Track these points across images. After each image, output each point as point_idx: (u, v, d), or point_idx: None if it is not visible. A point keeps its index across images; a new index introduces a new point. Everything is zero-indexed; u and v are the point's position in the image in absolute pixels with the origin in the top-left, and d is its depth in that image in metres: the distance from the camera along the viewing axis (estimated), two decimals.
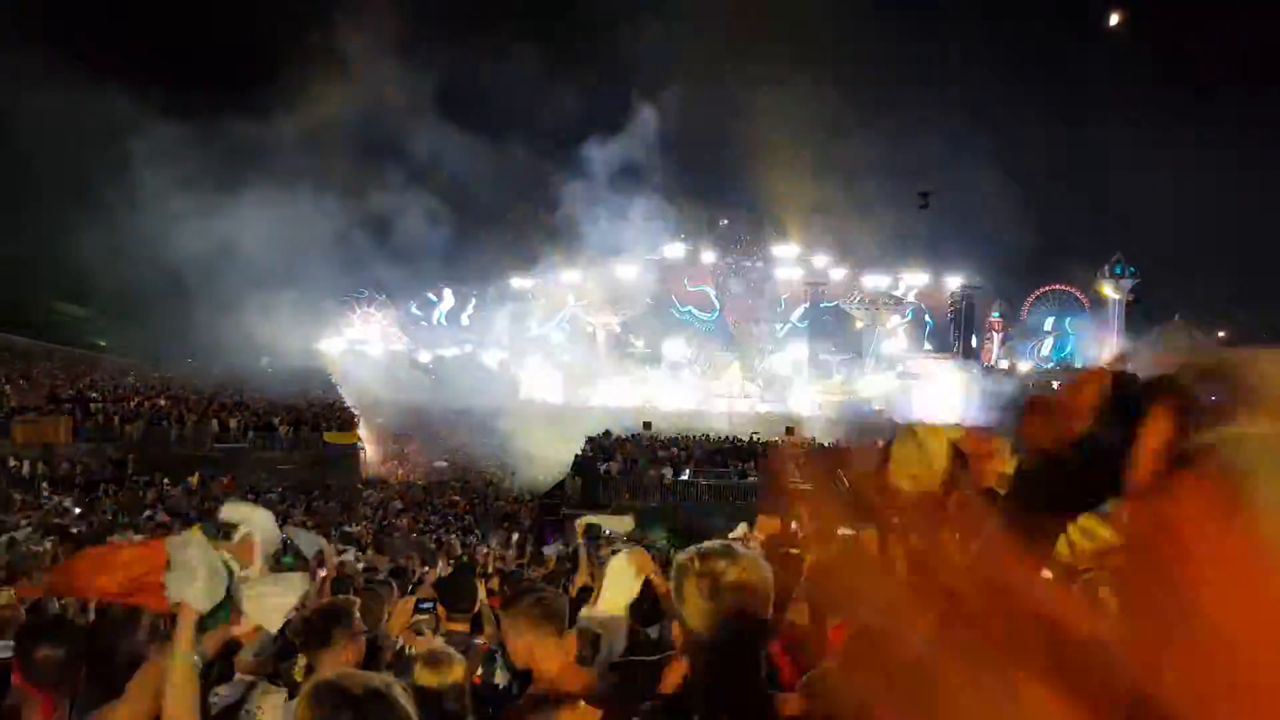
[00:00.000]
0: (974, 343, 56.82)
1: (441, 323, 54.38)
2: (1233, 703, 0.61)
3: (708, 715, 1.86)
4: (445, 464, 39.23)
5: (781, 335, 52.34)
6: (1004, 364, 56.29)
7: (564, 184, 49.81)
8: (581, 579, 6.84)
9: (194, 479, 26.60)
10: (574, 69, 58.63)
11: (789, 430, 37.64)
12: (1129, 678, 0.68)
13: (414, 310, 54.54)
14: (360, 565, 10.79)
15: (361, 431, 37.37)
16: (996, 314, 58.02)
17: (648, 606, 4.97)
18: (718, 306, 52.30)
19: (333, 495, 28.34)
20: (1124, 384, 0.89)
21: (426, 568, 10.69)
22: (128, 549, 2.64)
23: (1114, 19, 54.03)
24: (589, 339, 51.49)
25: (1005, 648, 0.77)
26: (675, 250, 51.82)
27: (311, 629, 3.41)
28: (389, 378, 47.73)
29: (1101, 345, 55.40)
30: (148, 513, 19.73)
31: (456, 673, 3.32)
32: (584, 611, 3.90)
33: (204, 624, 2.45)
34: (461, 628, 4.96)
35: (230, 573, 2.45)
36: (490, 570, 10.30)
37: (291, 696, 3.67)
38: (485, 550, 14.40)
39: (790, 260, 52.64)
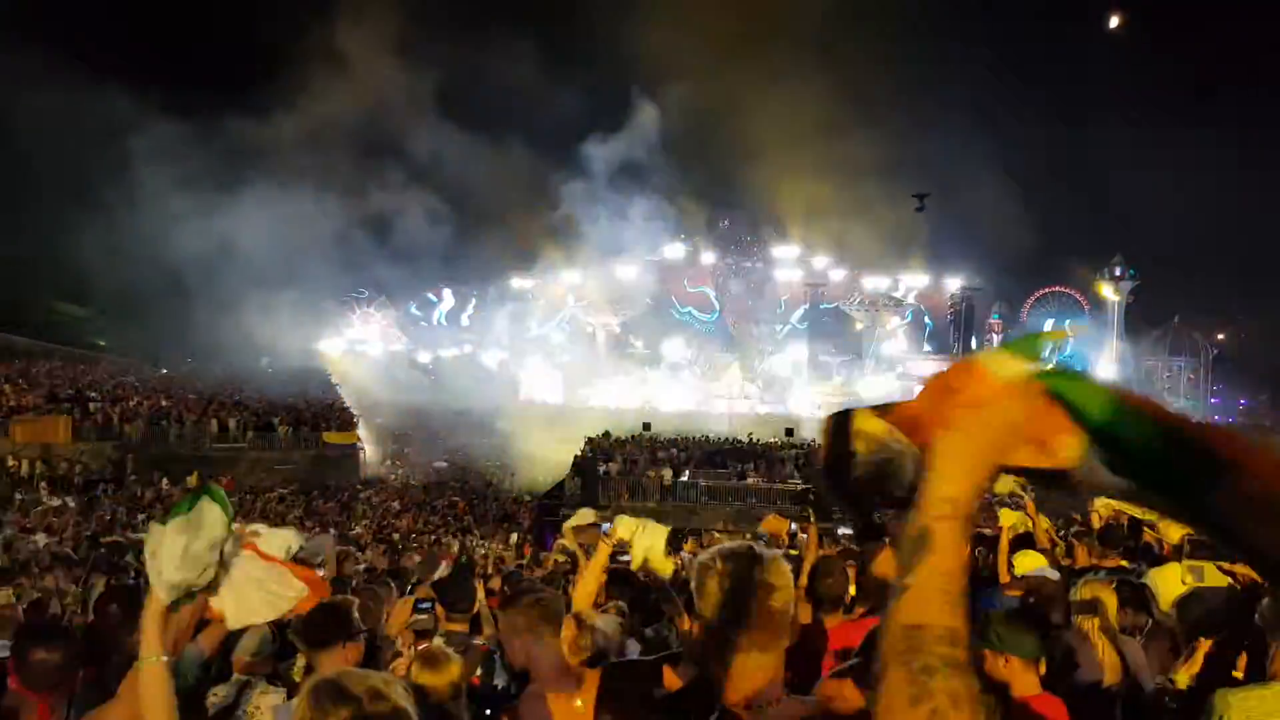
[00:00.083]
0: (974, 344, 56.81)
1: (441, 323, 54.38)
2: None
3: (723, 717, 1.86)
4: (445, 464, 39.22)
5: (781, 336, 52.33)
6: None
7: (564, 184, 49.84)
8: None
9: (193, 479, 26.60)
10: (574, 69, 58.76)
11: (788, 432, 37.65)
12: None
13: (414, 310, 54.55)
14: (360, 565, 10.78)
15: (361, 432, 37.38)
16: (996, 315, 57.98)
17: (649, 606, 4.97)
18: (717, 307, 52.30)
19: (332, 495, 28.33)
20: None
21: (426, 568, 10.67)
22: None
23: (1114, 20, 54.05)
24: (589, 339, 51.48)
25: None
26: (675, 251, 51.83)
27: (310, 628, 3.40)
28: (388, 378, 47.75)
29: (1101, 347, 55.45)
30: (146, 514, 19.72)
31: (454, 672, 3.31)
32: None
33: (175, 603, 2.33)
34: (461, 628, 4.95)
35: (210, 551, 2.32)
36: (490, 571, 10.30)
37: (290, 697, 3.66)
38: (484, 551, 14.40)
39: (790, 261, 52.63)
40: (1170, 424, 1.05)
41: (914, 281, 54.20)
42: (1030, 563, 5.24)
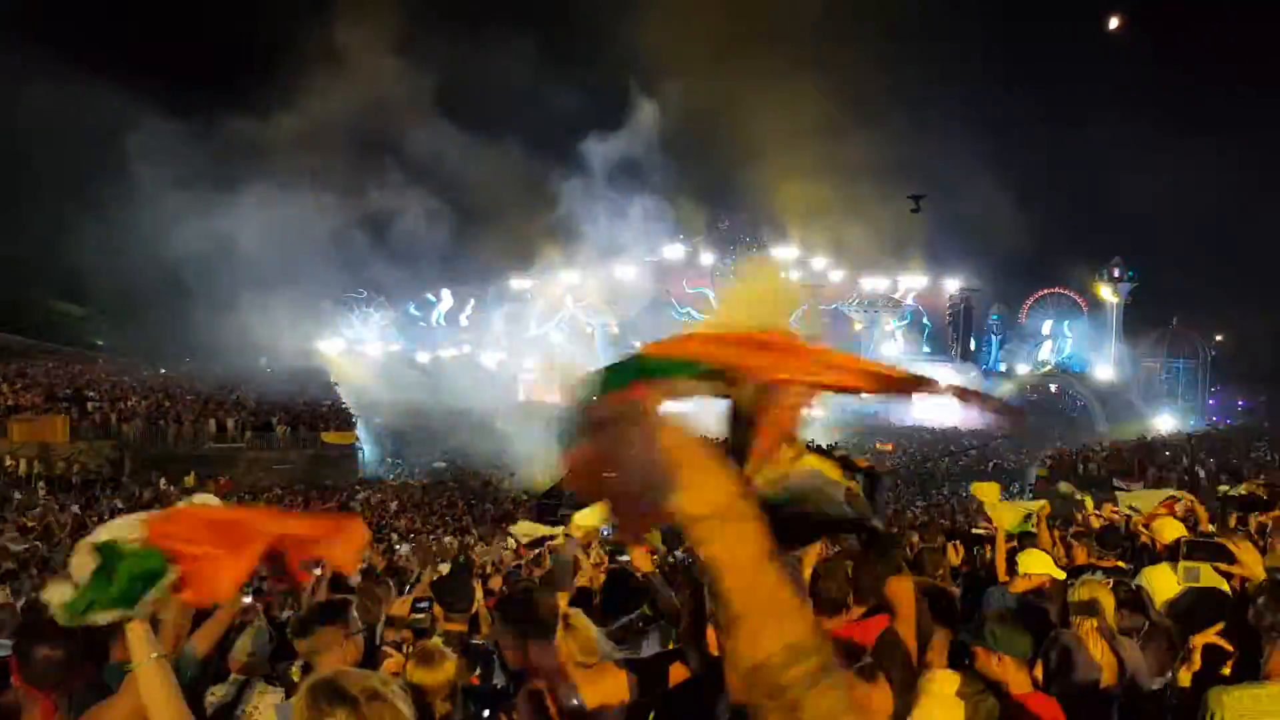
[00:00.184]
0: (972, 345, 56.86)
1: (440, 323, 54.34)
2: None
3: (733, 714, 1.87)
4: (443, 464, 39.18)
5: None
6: (1002, 366, 56.31)
7: (563, 185, 49.87)
8: (581, 580, 6.84)
9: (190, 478, 26.57)
10: (572, 69, 58.75)
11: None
12: None
13: (412, 310, 54.50)
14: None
15: (359, 432, 37.34)
16: (995, 316, 58.04)
17: (645, 608, 4.96)
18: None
19: (330, 495, 28.30)
20: None
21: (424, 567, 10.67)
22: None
23: (1113, 22, 54.11)
24: (587, 339, 51.48)
25: None
26: (674, 251, 51.85)
27: (308, 628, 3.40)
28: (387, 378, 47.71)
29: (1100, 348, 55.50)
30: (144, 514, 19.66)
31: (448, 670, 3.31)
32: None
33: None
34: (459, 628, 4.95)
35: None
36: (489, 571, 10.30)
37: (289, 696, 3.66)
38: (483, 550, 14.39)
39: (789, 262, 52.62)
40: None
41: (913, 283, 54.25)
42: (1036, 562, 5.24)
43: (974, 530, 8.30)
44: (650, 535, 5.20)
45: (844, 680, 0.94)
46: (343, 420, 36.56)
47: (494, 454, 39.35)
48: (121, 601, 2.09)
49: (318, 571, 8.12)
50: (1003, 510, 6.89)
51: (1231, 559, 3.95)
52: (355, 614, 3.61)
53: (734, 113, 55.06)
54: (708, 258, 52.72)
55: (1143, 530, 6.32)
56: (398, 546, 15.94)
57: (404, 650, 4.54)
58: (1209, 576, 4.14)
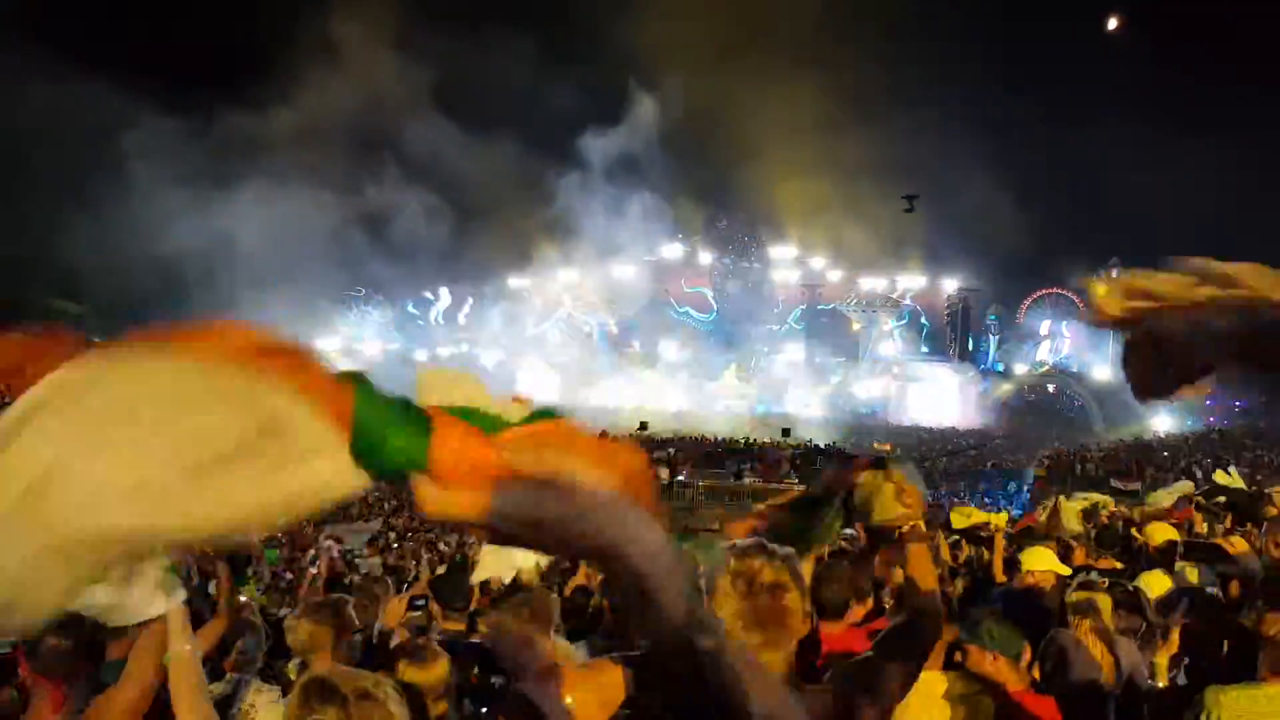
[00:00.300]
0: (970, 345, 56.88)
1: (439, 322, 54.32)
2: None
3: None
4: None
5: (778, 337, 52.35)
6: (1000, 367, 56.32)
7: (561, 184, 49.86)
8: (578, 579, 6.84)
9: None
10: (572, 69, 58.75)
11: (785, 432, 37.69)
12: None
13: (410, 309, 54.49)
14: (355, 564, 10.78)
15: None
16: (993, 317, 58.02)
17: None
18: (715, 307, 52.32)
19: None
20: None
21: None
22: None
23: (1112, 23, 54.16)
24: (586, 339, 51.50)
25: None
26: (673, 251, 51.87)
27: (302, 626, 3.40)
28: (385, 377, 47.55)
29: (1098, 349, 55.52)
30: None
31: (442, 669, 3.32)
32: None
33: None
34: (457, 626, 4.96)
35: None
36: None
37: (285, 694, 3.66)
38: (481, 550, 14.38)
39: (788, 262, 52.69)
40: None
41: (911, 282, 54.25)
42: (1039, 559, 5.24)
43: (974, 530, 8.32)
44: None
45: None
46: None
47: None
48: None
49: (313, 570, 8.15)
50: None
51: (1228, 560, 3.97)
52: (352, 612, 3.61)
53: (733, 112, 55.17)
54: (706, 257, 52.72)
55: (1135, 534, 6.34)
56: (395, 546, 15.94)
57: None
58: (1205, 577, 4.15)
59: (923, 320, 55.24)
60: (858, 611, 3.84)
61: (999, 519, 7.37)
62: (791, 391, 49.69)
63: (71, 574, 0.91)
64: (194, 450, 0.97)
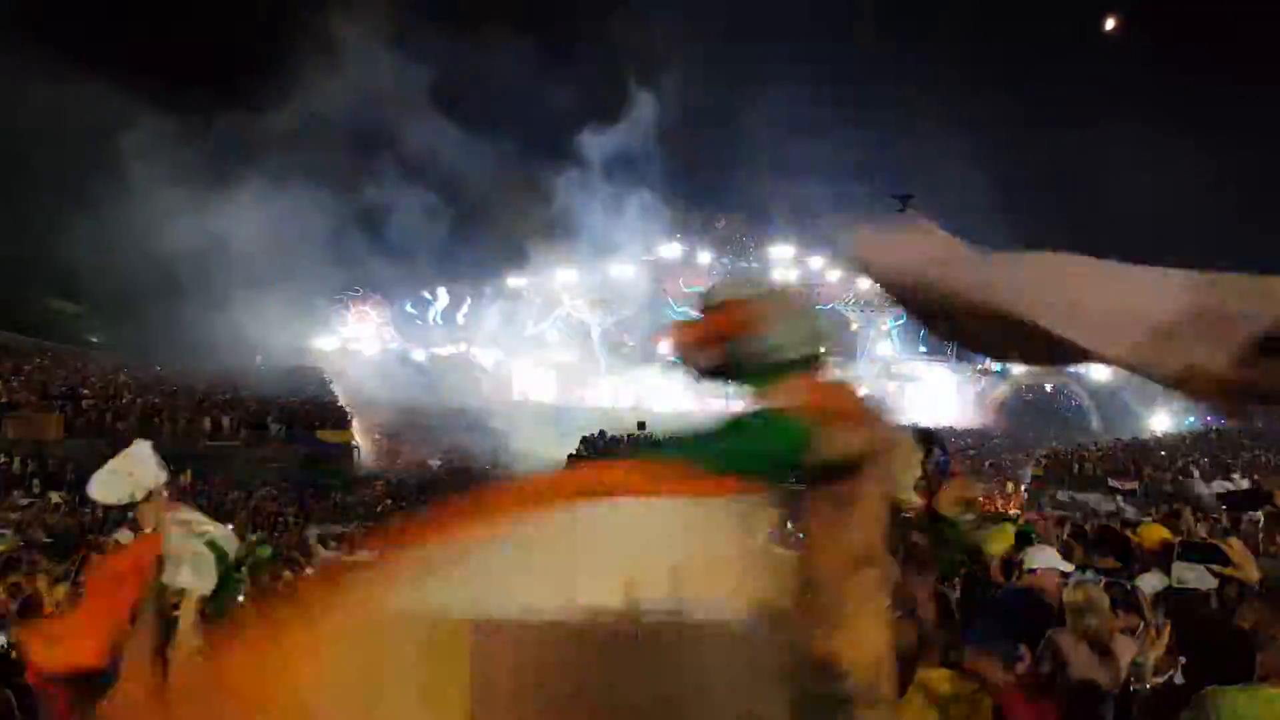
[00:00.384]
0: None
1: (437, 321, 54.30)
2: None
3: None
4: (439, 463, 39.17)
5: None
6: (998, 367, 56.35)
7: (561, 183, 49.82)
8: None
9: (186, 476, 26.51)
10: (571, 70, 58.67)
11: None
12: None
13: (408, 309, 54.45)
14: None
15: (355, 430, 37.31)
16: None
17: None
18: None
19: (326, 494, 28.28)
20: None
21: None
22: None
23: (1110, 23, 54.21)
24: (584, 338, 51.49)
25: None
26: (671, 250, 51.85)
27: None
28: (383, 376, 47.68)
29: None
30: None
31: None
32: None
33: (217, 608, 2.44)
34: None
35: (222, 553, 2.42)
36: None
37: None
38: None
39: (786, 261, 52.69)
40: None
41: None
42: (1041, 558, 5.24)
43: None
44: None
45: None
46: (339, 418, 36.54)
47: (490, 452, 39.35)
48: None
49: (310, 570, 8.13)
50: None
51: (1225, 560, 3.97)
52: None
53: (731, 113, 55.17)
54: (705, 256, 52.72)
55: (1130, 533, 6.35)
56: None
57: None
58: (1203, 578, 4.15)
59: None
60: None
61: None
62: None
63: None
64: None
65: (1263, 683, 2.83)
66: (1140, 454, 34.57)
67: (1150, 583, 4.48)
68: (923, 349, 54.58)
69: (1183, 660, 3.37)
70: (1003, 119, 63.76)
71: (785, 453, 1.54)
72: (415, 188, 50.35)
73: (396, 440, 41.64)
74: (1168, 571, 4.74)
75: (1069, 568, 5.16)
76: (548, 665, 1.17)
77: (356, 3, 52.32)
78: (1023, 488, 32.27)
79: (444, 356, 52.06)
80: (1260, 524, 6.16)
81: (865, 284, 53.13)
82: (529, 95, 58.60)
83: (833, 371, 1.77)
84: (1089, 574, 5.10)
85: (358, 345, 52.02)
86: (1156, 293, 1.14)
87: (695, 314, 1.89)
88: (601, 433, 35.99)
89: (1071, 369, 52.41)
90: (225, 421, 32.67)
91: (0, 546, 9.27)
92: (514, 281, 52.59)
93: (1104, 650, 3.79)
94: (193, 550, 2.37)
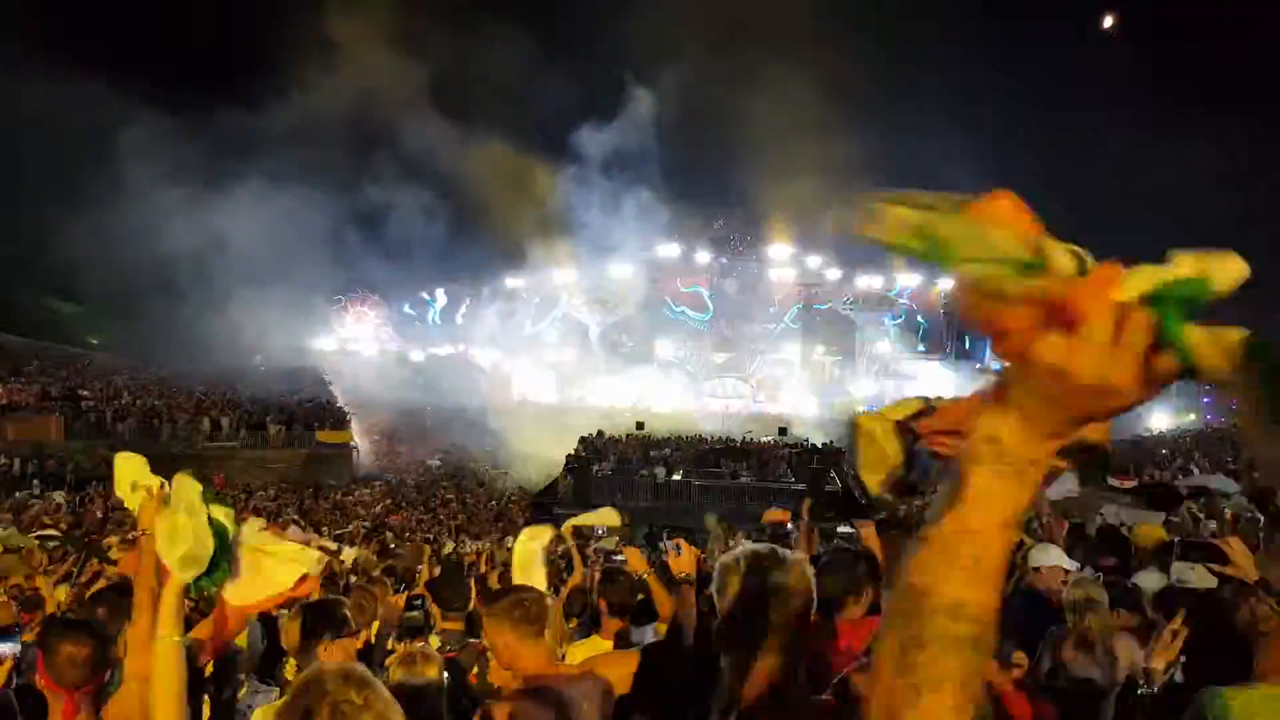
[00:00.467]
0: (966, 344, 56.86)
1: (435, 322, 54.29)
2: None
3: (746, 717, 1.87)
4: (438, 463, 39.19)
5: (775, 336, 52.34)
6: (996, 365, 56.28)
7: (558, 183, 49.78)
8: (574, 580, 6.85)
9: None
10: (569, 70, 58.59)
11: (781, 431, 37.71)
12: None
13: (407, 309, 54.45)
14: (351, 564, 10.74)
15: (354, 430, 37.32)
16: None
17: (639, 605, 4.97)
18: (711, 307, 52.29)
19: (325, 494, 28.29)
20: None
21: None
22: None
23: (1108, 21, 54.19)
24: (582, 338, 51.47)
25: None
26: (670, 250, 51.81)
27: (313, 633, 3.40)
28: (381, 376, 47.68)
29: None
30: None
31: (432, 670, 3.32)
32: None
33: (200, 586, 2.42)
34: (456, 627, 4.96)
35: (223, 534, 2.40)
36: (484, 569, 10.29)
37: (283, 695, 3.66)
38: (479, 550, 14.39)
39: (784, 261, 52.65)
40: None
41: (907, 281, 54.24)
42: (1047, 556, 5.24)
43: None
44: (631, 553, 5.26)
45: (972, 662, 0.88)
46: (337, 419, 36.55)
47: (489, 453, 39.37)
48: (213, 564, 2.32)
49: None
50: None
51: (1225, 560, 3.96)
52: (348, 613, 3.61)
53: (729, 112, 55.10)
54: (703, 256, 52.68)
55: (1125, 533, 6.36)
56: (392, 545, 15.92)
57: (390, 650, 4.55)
58: (1203, 577, 4.15)
59: (919, 319, 55.23)
60: (855, 610, 3.85)
61: None
62: (787, 390, 49.72)
63: None
64: None
65: (1262, 682, 2.83)
66: (1141, 452, 34.57)
67: (1150, 582, 4.49)
68: (920, 347, 54.57)
69: (1183, 660, 3.37)
70: (1006, 116, 63.82)
71: None
72: (413, 188, 50.40)
73: (395, 441, 41.67)
74: (1167, 570, 4.74)
75: (1074, 565, 5.16)
76: None
77: (354, 2, 52.33)
78: None
79: (442, 357, 52.07)
80: (1261, 523, 6.16)
81: (863, 282, 53.44)
82: (527, 95, 58.65)
83: None
84: (1089, 572, 5.11)
85: (356, 346, 52.04)
86: None
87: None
88: (600, 433, 35.98)
89: None
90: (224, 422, 32.67)
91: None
92: (512, 281, 52.55)
93: (1104, 649, 3.80)
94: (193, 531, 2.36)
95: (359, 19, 51.32)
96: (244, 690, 3.80)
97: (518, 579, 3.99)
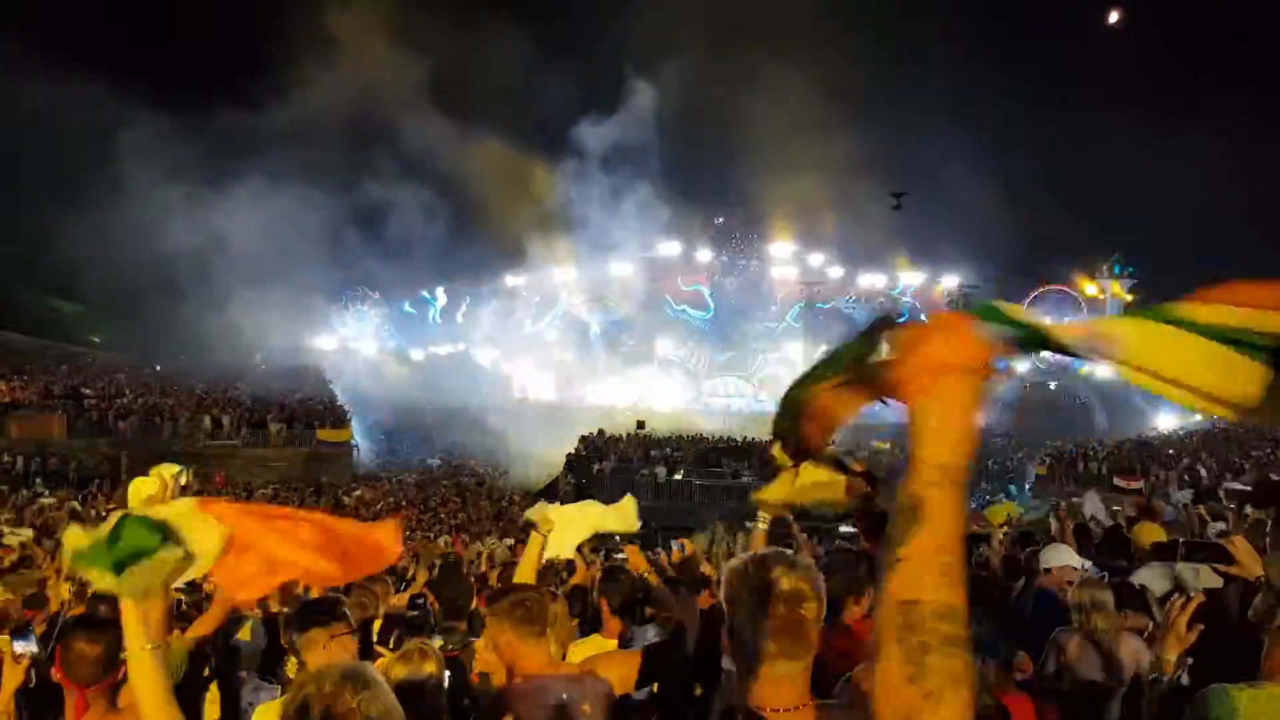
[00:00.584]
0: None
1: (436, 321, 54.28)
2: None
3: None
4: (438, 462, 39.20)
5: (776, 335, 52.29)
6: (1002, 364, 56.15)
7: (559, 182, 49.76)
8: (577, 578, 6.84)
9: (187, 476, 26.44)
10: (570, 69, 58.57)
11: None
12: None
13: (407, 308, 54.43)
14: None
15: (354, 429, 37.31)
16: None
17: (640, 606, 4.95)
18: (712, 305, 52.24)
19: (325, 493, 28.30)
20: None
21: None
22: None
23: (1114, 16, 54.07)
24: (583, 337, 51.44)
25: None
26: (671, 249, 51.79)
27: (300, 626, 3.39)
28: (381, 375, 47.69)
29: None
30: None
31: (431, 667, 3.31)
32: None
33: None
34: (459, 625, 4.95)
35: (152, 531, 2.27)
36: (484, 568, 10.29)
37: (284, 693, 3.65)
38: (479, 549, 14.38)
39: (786, 259, 52.61)
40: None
41: (910, 279, 54.18)
42: (1058, 556, 5.23)
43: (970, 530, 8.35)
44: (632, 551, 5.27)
45: (969, 660, 1.00)
46: (338, 418, 36.53)
47: (488, 451, 39.37)
48: (110, 565, 2.12)
49: None
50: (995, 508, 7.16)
51: (1229, 559, 3.94)
52: (348, 611, 3.60)
53: (730, 110, 55.09)
54: (704, 255, 52.66)
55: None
56: None
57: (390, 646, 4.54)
58: (1207, 576, 4.13)
59: (922, 317, 55.11)
60: (856, 611, 3.83)
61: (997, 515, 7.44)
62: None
63: None
64: None
65: (1269, 681, 2.81)
66: (1147, 452, 34.54)
67: (1159, 583, 4.46)
68: None
69: (1189, 660, 3.35)
70: (1010, 115, 63.77)
71: None
72: (413, 186, 50.37)
73: (395, 440, 41.68)
74: (1173, 570, 4.72)
75: (1086, 564, 5.16)
76: None
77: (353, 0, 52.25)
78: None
79: (442, 356, 52.06)
80: (1268, 524, 6.12)
81: (865, 280, 53.41)
82: (527, 93, 58.63)
83: None
84: (1093, 572, 5.09)
85: (357, 344, 52.03)
86: None
87: None
88: (600, 432, 35.98)
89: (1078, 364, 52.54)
90: (225, 420, 32.68)
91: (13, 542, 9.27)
92: (512, 280, 52.53)
93: (1109, 651, 3.78)
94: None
95: (358, 16, 51.31)
96: (246, 687, 3.80)
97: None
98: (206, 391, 36.47)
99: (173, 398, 34.58)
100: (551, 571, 8.67)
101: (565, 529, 4.32)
